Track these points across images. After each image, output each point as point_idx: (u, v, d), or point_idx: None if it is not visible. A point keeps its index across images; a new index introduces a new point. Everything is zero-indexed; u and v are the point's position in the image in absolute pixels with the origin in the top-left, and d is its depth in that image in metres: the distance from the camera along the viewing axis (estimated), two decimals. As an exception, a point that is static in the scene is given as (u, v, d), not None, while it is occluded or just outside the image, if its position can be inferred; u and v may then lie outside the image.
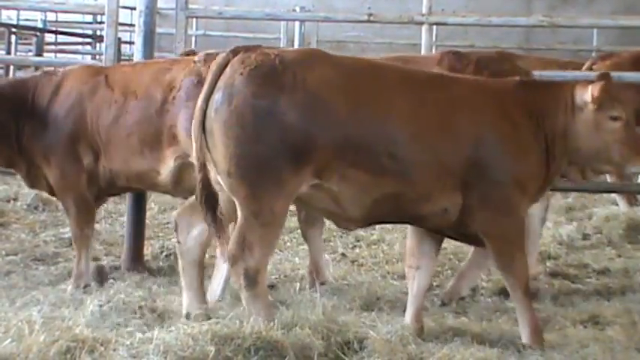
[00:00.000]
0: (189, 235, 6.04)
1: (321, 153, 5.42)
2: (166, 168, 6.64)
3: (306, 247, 8.70)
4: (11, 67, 15.32)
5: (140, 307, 5.88)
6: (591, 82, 5.95)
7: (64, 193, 6.99)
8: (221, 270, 6.67)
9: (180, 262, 6.11)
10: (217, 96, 5.45)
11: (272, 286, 7.25)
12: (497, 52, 7.54)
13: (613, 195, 10.92)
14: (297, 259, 8.23)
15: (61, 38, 21.44)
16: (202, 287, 6.11)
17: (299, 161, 5.40)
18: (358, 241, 9.06)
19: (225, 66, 5.52)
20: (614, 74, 6.53)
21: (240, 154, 5.38)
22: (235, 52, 5.59)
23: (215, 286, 6.71)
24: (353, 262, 8.30)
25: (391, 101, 5.59)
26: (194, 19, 17.69)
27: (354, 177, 5.52)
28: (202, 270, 6.12)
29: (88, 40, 21.08)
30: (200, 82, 6.18)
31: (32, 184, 7.28)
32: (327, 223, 9.52)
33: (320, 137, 5.42)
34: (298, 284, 7.33)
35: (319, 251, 7.48)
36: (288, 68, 5.48)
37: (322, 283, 7.34)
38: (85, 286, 6.86)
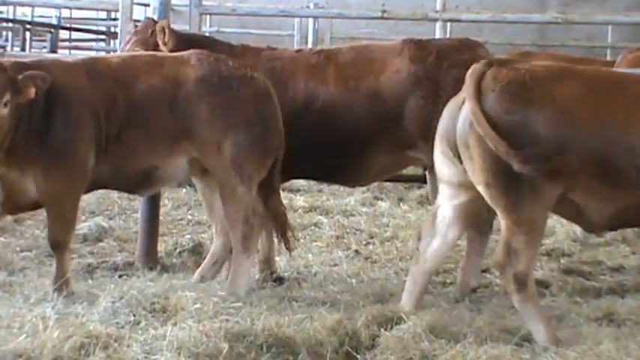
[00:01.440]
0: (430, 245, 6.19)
1: (569, 165, 5.60)
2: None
3: (319, 243, 8.74)
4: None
5: (153, 304, 5.89)
6: None
7: None
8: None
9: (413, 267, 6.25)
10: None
11: (282, 281, 7.26)
12: (458, 41, 7.37)
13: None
14: (310, 255, 8.22)
15: (75, 35, 21.53)
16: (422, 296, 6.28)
17: (552, 173, 5.59)
18: (372, 237, 9.05)
19: (481, 78, 5.75)
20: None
21: (496, 167, 5.59)
22: (489, 64, 5.83)
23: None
24: (366, 258, 8.29)
25: (635, 113, 5.72)
26: (208, 16, 17.72)
27: (597, 189, 5.70)
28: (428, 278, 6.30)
29: (102, 36, 21.14)
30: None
31: None
32: (340, 218, 9.57)
33: (568, 150, 5.61)
34: (311, 281, 7.34)
35: (271, 242, 7.42)
36: (537, 84, 5.70)
37: (272, 273, 7.35)
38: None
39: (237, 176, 6.61)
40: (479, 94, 5.71)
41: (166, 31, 7.31)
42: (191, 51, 6.81)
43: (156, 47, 7.33)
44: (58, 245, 6.49)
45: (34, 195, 6.35)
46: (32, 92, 6.13)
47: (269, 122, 6.74)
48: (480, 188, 5.74)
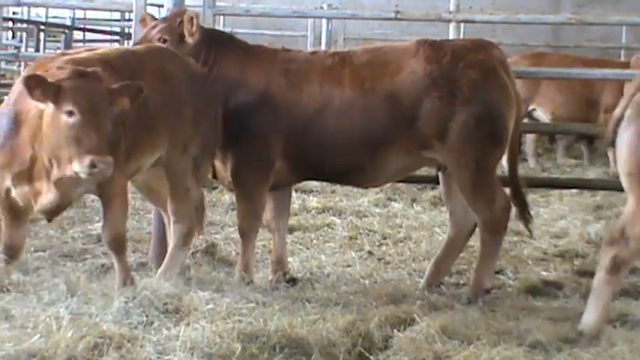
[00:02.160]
0: None
1: None
2: None
3: (332, 244, 8.74)
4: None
5: (166, 304, 5.90)
6: None
7: None
8: None
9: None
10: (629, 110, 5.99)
11: (295, 282, 7.26)
12: (472, 42, 7.34)
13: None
14: (323, 256, 8.23)
15: (89, 36, 21.59)
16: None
17: None
18: (385, 238, 9.05)
19: None
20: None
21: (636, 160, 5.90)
22: None
23: None
24: (379, 259, 8.29)
25: None
26: (221, 17, 17.72)
27: None
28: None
29: (116, 37, 21.18)
30: None
31: None
32: (353, 219, 9.58)
33: None
34: (324, 282, 7.34)
35: (283, 243, 7.48)
36: None
37: (285, 274, 7.35)
38: None
39: (194, 177, 6.81)
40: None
41: (194, 21, 7.32)
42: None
43: (182, 37, 7.34)
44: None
45: None
46: (127, 103, 6.04)
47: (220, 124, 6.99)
48: (622, 177, 5.98)
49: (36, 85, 5.76)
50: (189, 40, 7.30)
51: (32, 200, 6.14)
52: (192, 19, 7.31)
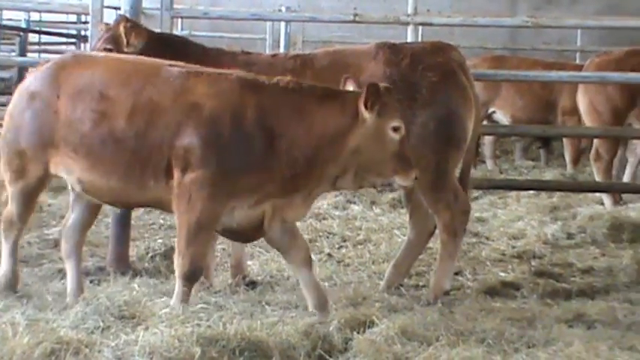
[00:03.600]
0: None
1: None
2: None
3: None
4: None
5: (125, 309, 5.87)
6: None
7: None
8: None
9: None
10: None
11: (255, 285, 7.25)
12: (431, 44, 7.37)
13: (597, 194, 10.96)
14: (282, 259, 8.20)
15: (44, 38, 21.41)
16: None
17: None
18: (344, 241, 9.06)
19: None
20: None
21: None
22: None
23: None
24: (339, 262, 8.30)
25: None
26: (179, 20, 17.67)
27: None
28: None
29: (72, 40, 21.04)
30: None
31: None
32: (312, 222, 9.57)
33: None
34: (284, 285, 7.34)
35: (243, 246, 7.46)
36: None
37: (244, 277, 7.35)
38: None
39: None
40: None
41: (128, 29, 7.25)
42: None
43: (128, 44, 7.29)
44: None
45: None
46: None
47: None
48: None
49: (375, 96, 5.92)
50: (131, 48, 7.25)
51: (272, 217, 6.07)
52: (125, 27, 7.27)
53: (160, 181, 5.98)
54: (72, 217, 6.50)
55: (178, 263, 5.98)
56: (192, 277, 6.01)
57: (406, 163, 6.03)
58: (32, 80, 6.36)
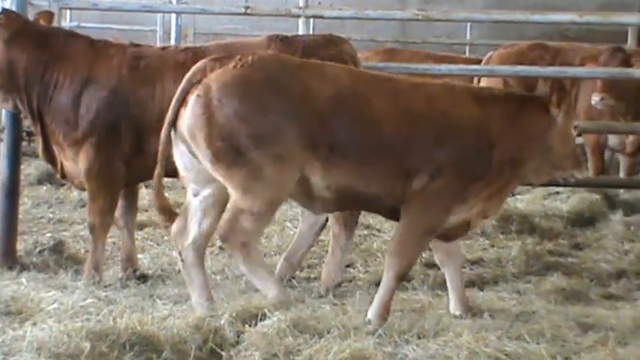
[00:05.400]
0: None
1: None
2: None
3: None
4: None
5: (11, 304, 5.77)
6: None
7: None
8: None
9: None
10: None
11: (145, 279, 7.20)
12: (323, 37, 7.43)
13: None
14: (174, 252, 8.08)
15: None
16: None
17: None
18: (236, 234, 9.02)
19: None
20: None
21: None
22: None
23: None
24: (230, 255, 8.25)
25: None
26: (67, 11, 17.38)
27: None
28: None
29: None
30: None
31: None
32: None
33: None
34: (175, 279, 7.29)
35: (132, 240, 7.46)
36: None
37: (135, 271, 7.33)
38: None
39: None
40: None
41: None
42: None
43: None
44: None
45: None
46: None
47: None
48: None
49: (564, 97, 6.34)
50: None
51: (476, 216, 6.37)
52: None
53: (403, 187, 6.10)
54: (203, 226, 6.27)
55: (395, 262, 6.16)
56: (403, 277, 6.34)
57: (579, 158, 6.63)
58: None
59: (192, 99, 5.97)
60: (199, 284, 6.17)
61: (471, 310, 6.45)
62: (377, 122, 6.07)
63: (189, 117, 5.96)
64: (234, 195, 5.96)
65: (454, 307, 6.48)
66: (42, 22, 7.37)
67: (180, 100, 6.02)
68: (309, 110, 5.98)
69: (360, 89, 6.14)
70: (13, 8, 7.65)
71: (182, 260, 6.19)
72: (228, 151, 5.89)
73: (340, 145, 6.00)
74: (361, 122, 6.06)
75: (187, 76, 6.07)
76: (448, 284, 6.58)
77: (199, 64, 6.10)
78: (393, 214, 6.30)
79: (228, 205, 5.98)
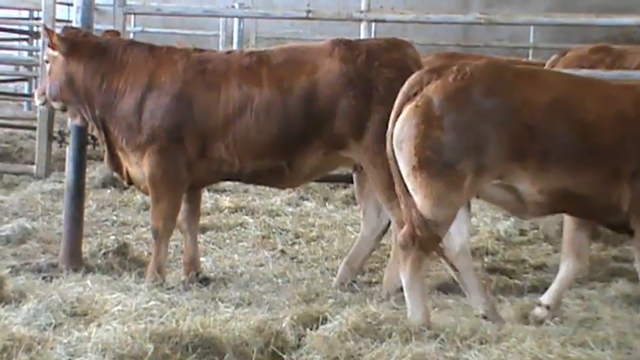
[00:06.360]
0: None
1: None
2: None
3: (245, 243, 8.73)
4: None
5: (77, 306, 5.83)
6: None
7: None
8: None
9: None
10: None
11: (208, 282, 7.24)
12: (386, 41, 7.39)
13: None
14: (236, 255, 8.21)
15: (-4, 34, 21.16)
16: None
17: None
18: (297, 237, 9.06)
19: None
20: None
21: None
22: None
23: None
24: (292, 258, 8.30)
25: None
26: (132, 16, 17.58)
27: None
28: None
29: (25, 36, 20.83)
30: None
31: None
32: (266, 218, 9.56)
33: None
34: (237, 281, 7.33)
35: (195, 243, 7.48)
36: None
37: (197, 274, 7.35)
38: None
39: None
40: None
41: (54, 34, 7.26)
42: None
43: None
44: None
45: None
46: None
47: None
48: None
49: None
50: (53, 51, 7.27)
51: None
52: (48, 34, 7.28)
53: (617, 188, 6.08)
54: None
55: None
56: None
57: None
58: None
59: (409, 108, 5.98)
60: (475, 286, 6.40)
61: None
62: (591, 126, 6.01)
63: (401, 123, 5.99)
64: (422, 203, 5.94)
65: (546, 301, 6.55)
66: None
67: (398, 113, 6.04)
68: (523, 119, 5.94)
69: (574, 94, 6.10)
70: (79, 15, 7.77)
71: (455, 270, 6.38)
72: (435, 161, 5.87)
73: (554, 150, 5.97)
74: (577, 126, 6.01)
75: (403, 89, 6.08)
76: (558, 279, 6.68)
77: (415, 76, 6.15)
78: (606, 218, 6.31)
79: (410, 214, 5.98)
